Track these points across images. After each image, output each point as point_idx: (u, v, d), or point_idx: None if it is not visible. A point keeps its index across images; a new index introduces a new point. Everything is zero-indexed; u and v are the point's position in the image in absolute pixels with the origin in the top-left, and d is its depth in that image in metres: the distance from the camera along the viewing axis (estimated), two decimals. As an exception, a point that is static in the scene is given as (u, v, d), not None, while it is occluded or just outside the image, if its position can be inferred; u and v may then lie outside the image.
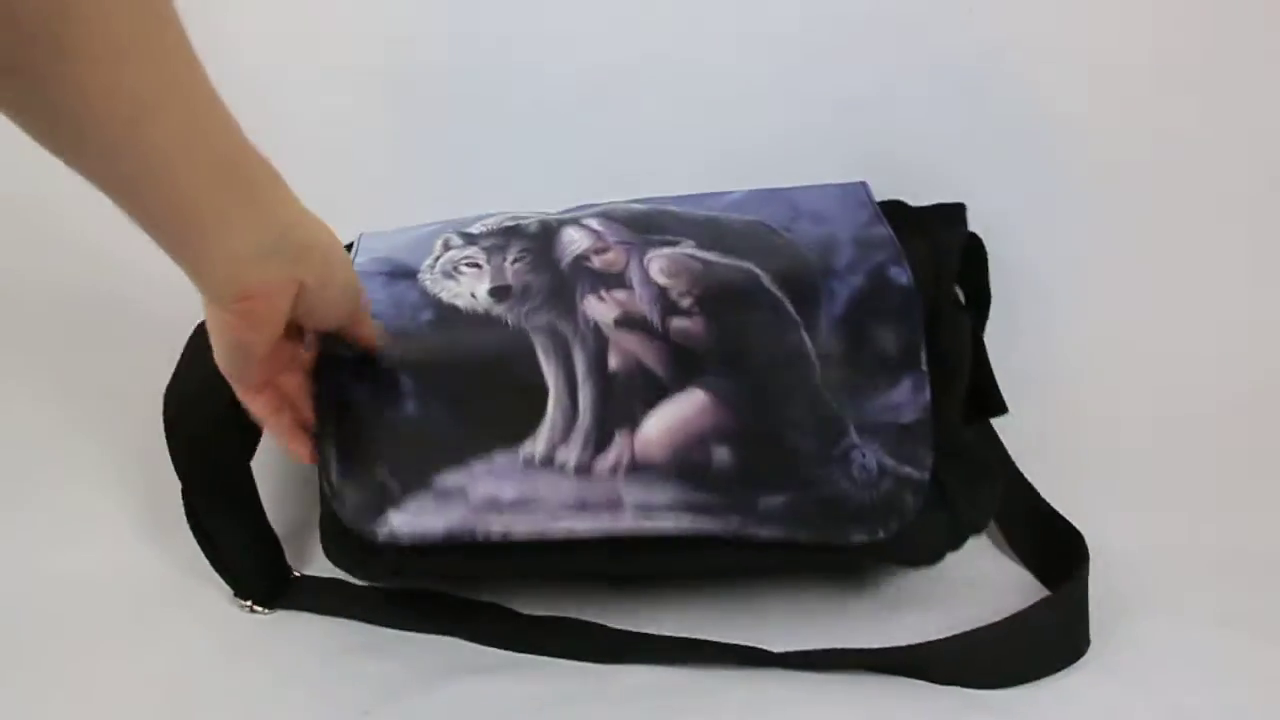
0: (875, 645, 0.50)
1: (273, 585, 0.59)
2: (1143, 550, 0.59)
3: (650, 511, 0.50)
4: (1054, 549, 0.57)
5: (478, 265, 0.54)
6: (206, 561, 0.58)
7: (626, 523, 0.50)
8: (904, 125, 0.69)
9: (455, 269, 0.55)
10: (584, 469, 0.50)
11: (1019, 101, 0.69)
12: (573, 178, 0.68)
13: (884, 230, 0.55)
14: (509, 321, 0.52)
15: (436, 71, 0.69)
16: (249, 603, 0.58)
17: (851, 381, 0.51)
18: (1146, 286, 0.69)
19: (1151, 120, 0.68)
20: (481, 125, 0.70)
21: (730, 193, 0.60)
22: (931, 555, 0.53)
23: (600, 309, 0.52)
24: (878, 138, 0.68)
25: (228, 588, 0.58)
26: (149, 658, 0.54)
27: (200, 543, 0.57)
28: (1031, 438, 0.61)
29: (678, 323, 0.52)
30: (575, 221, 0.56)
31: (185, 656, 0.54)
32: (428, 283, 0.54)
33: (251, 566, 0.58)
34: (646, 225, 0.56)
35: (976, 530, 0.54)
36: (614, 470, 0.50)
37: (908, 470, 0.51)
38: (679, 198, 0.60)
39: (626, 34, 0.69)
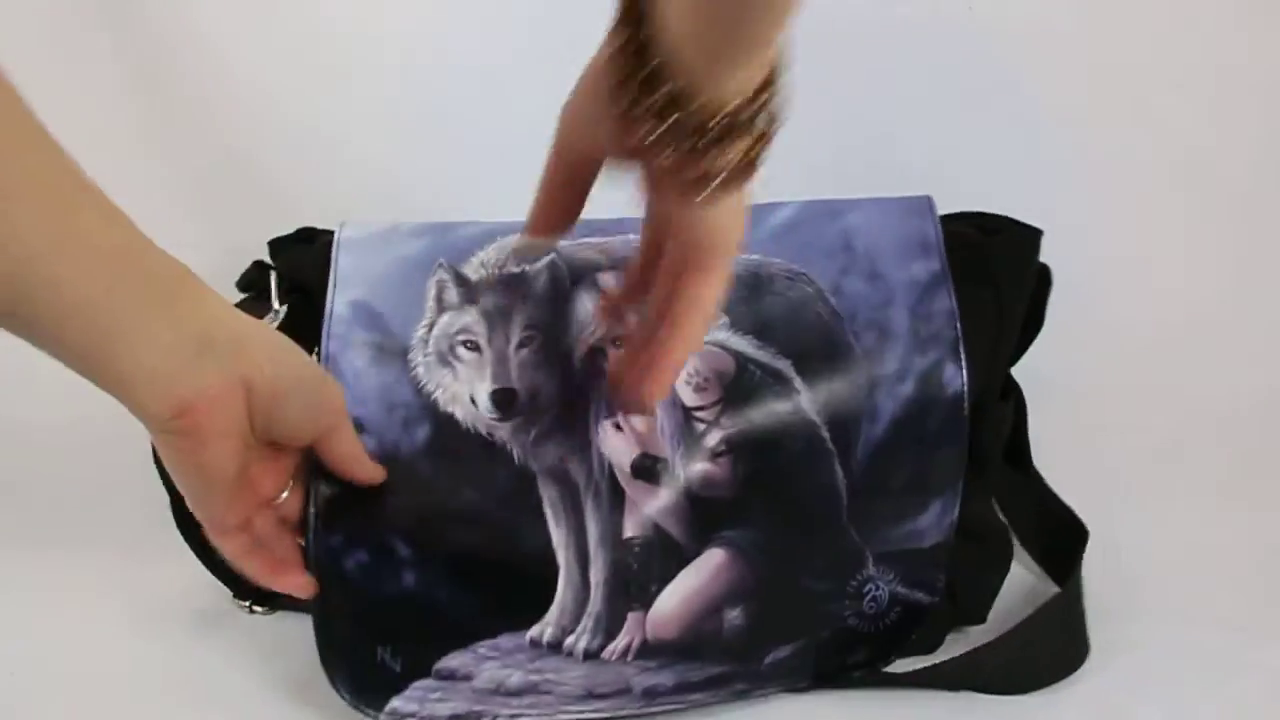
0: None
1: (272, 586, 0.58)
2: (1145, 552, 0.59)
3: (658, 696, 0.48)
4: (1060, 541, 0.57)
5: (477, 347, 0.50)
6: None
7: (634, 707, 0.48)
8: (903, 125, 0.69)
9: (452, 349, 0.50)
10: (594, 656, 0.48)
11: (1020, 101, 0.69)
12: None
13: (947, 304, 0.51)
14: (514, 454, 0.49)
15: (437, 70, 0.70)
16: (249, 603, 0.58)
17: (879, 510, 0.49)
18: (1150, 290, 0.69)
19: (1153, 121, 0.68)
20: (484, 127, 0.71)
21: (779, 206, 0.53)
22: (928, 648, 0.52)
23: (616, 445, 0.49)
24: (877, 138, 0.68)
25: (227, 588, 0.58)
26: (149, 658, 0.54)
27: (194, 547, 0.56)
28: (1035, 441, 0.61)
29: (701, 468, 0.49)
30: (590, 276, 0.51)
31: (185, 657, 0.54)
32: (420, 370, 0.50)
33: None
34: None
35: (978, 622, 0.54)
36: (624, 655, 0.48)
37: (919, 596, 0.50)
38: None
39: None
